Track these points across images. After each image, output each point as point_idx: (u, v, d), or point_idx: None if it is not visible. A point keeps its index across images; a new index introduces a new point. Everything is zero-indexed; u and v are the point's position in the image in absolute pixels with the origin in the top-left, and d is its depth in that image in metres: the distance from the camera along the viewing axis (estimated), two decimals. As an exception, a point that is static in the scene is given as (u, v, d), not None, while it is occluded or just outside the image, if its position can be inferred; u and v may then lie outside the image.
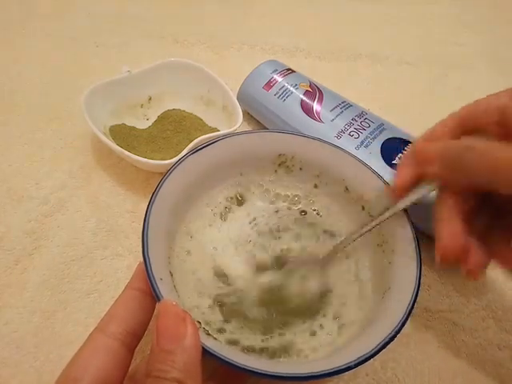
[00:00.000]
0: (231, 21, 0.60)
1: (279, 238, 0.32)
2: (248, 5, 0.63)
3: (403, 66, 0.54)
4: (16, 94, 0.47)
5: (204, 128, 0.43)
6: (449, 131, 0.26)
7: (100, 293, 0.33)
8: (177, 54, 0.46)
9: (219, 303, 0.28)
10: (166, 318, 0.21)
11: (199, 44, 0.55)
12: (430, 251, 0.36)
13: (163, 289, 0.23)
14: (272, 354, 0.26)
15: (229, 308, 0.28)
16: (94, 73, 0.49)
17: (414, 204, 0.26)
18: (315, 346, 0.27)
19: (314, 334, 0.27)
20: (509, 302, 0.34)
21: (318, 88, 0.42)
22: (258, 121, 0.45)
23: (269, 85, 0.42)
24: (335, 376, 0.26)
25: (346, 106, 0.40)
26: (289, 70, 0.44)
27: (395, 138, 0.37)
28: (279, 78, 0.43)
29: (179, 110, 0.44)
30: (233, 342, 0.26)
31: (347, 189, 0.32)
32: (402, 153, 0.36)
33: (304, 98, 0.41)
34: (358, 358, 0.22)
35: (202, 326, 0.26)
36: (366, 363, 0.22)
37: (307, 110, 0.40)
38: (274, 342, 0.27)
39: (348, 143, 0.37)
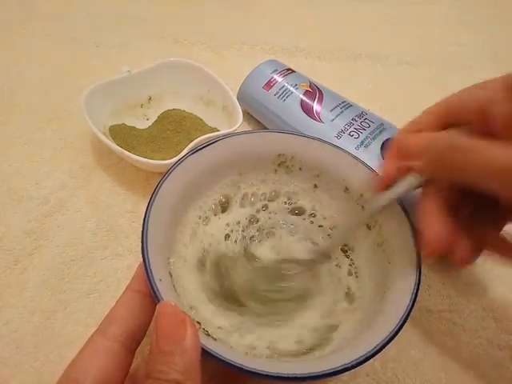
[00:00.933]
0: (231, 21, 0.60)
1: (277, 236, 0.32)
2: (248, 5, 0.63)
3: (403, 66, 0.54)
4: (16, 94, 0.47)
5: (204, 128, 0.43)
6: (433, 122, 0.25)
7: (100, 293, 0.33)
8: (177, 53, 0.46)
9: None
10: (165, 319, 0.21)
11: (199, 44, 0.55)
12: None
13: (162, 289, 0.23)
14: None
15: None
16: (94, 73, 0.49)
17: (401, 195, 0.26)
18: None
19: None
20: (509, 301, 0.34)
21: (318, 88, 0.42)
22: (258, 121, 0.45)
23: (269, 85, 0.42)
24: (335, 376, 0.26)
25: (345, 106, 0.40)
26: (289, 69, 0.44)
27: (395, 138, 0.37)
28: (279, 78, 0.43)
29: (179, 109, 0.44)
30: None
31: (347, 189, 0.32)
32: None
33: (304, 98, 0.41)
34: (358, 358, 0.22)
35: (202, 326, 0.26)
36: (366, 363, 0.22)
37: (307, 110, 0.40)
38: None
39: (348, 143, 0.37)
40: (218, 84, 0.42)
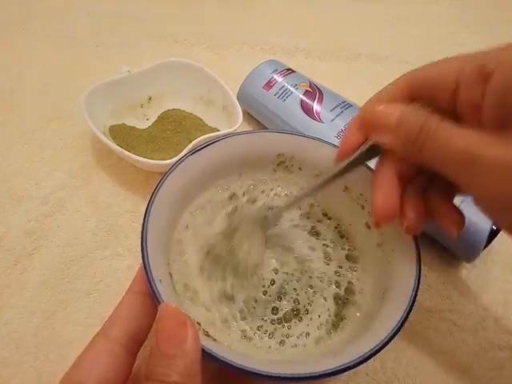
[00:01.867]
0: (231, 21, 0.60)
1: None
2: (248, 5, 0.63)
3: (403, 66, 0.53)
4: (16, 94, 0.47)
5: (204, 128, 0.43)
6: (400, 95, 0.24)
7: (100, 293, 0.33)
8: (177, 53, 0.46)
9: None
10: (166, 321, 0.21)
11: (199, 44, 0.55)
12: (431, 251, 0.36)
13: (162, 291, 0.23)
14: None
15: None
16: (94, 73, 0.49)
17: (356, 162, 0.26)
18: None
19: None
20: (509, 302, 0.34)
21: (318, 88, 0.42)
22: (258, 121, 0.45)
23: (269, 85, 0.42)
24: (335, 376, 0.26)
25: (345, 105, 0.40)
26: (289, 69, 0.44)
27: (395, 138, 0.37)
28: (279, 78, 0.43)
29: (179, 109, 0.44)
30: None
31: (346, 188, 0.32)
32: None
33: (304, 98, 0.41)
34: (358, 357, 0.22)
35: (202, 327, 0.26)
36: (366, 363, 0.22)
37: (307, 109, 0.40)
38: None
39: (348, 143, 0.37)
40: (218, 84, 0.42)
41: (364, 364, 0.22)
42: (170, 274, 0.27)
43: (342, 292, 0.30)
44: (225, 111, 0.43)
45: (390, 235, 0.29)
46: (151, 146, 0.41)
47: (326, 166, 0.32)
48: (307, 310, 0.29)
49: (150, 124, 0.43)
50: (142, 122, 0.44)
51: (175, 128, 0.42)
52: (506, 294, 0.35)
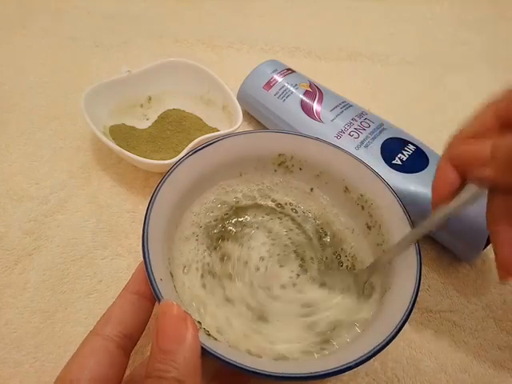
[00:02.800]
0: (231, 21, 0.60)
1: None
2: (248, 5, 0.63)
3: (403, 66, 0.54)
4: (15, 93, 0.47)
5: (204, 128, 0.43)
6: (487, 126, 0.22)
7: (100, 293, 0.33)
8: (177, 53, 0.46)
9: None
10: (166, 318, 0.21)
11: (199, 44, 0.55)
12: (430, 251, 0.36)
13: (163, 289, 0.23)
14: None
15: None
16: (94, 73, 0.49)
17: (465, 205, 0.23)
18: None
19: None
20: (509, 302, 0.34)
21: (318, 88, 0.42)
22: (258, 121, 0.45)
23: (269, 85, 0.42)
24: (335, 376, 0.26)
25: (345, 105, 0.40)
26: (289, 69, 0.44)
27: (395, 138, 0.37)
28: (279, 78, 0.43)
29: (179, 109, 0.44)
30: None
31: (347, 189, 0.32)
32: (402, 153, 0.36)
33: (304, 98, 0.41)
34: (358, 358, 0.22)
35: (203, 326, 0.26)
36: (366, 363, 0.22)
37: (307, 109, 0.40)
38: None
39: (348, 143, 0.37)
40: (218, 84, 0.42)
41: (364, 364, 0.22)
42: (171, 273, 0.27)
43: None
44: (225, 111, 0.43)
45: (390, 235, 0.29)
46: (151, 146, 0.41)
47: (327, 165, 0.32)
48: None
49: (150, 124, 0.43)
50: (142, 121, 0.44)
51: (175, 128, 0.42)
52: (505, 295, 0.35)
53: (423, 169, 0.35)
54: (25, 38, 0.54)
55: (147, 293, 0.25)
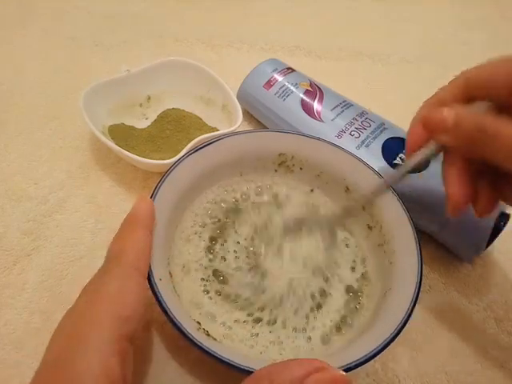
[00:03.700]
0: (231, 20, 0.60)
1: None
2: (248, 4, 0.63)
3: (404, 66, 0.54)
4: (15, 93, 0.47)
5: (204, 127, 0.42)
6: (456, 96, 0.26)
7: (99, 293, 0.33)
8: (177, 53, 0.46)
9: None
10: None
11: (199, 44, 0.55)
12: (431, 251, 0.36)
13: (163, 289, 0.23)
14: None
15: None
16: (93, 72, 0.49)
17: (426, 158, 0.26)
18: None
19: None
20: (510, 302, 0.34)
21: (319, 87, 0.42)
22: (258, 120, 0.45)
23: (269, 84, 0.42)
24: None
25: (346, 105, 0.40)
26: (289, 69, 0.44)
27: (396, 138, 0.37)
28: (279, 77, 0.43)
29: (179, 109, 0.44)
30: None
31: (348, 188, 0.32)
32: (403, 152, 0.36)
33: (304, 98, 0.41)
34: (359, 358, 0.22)
35: (202, 326, 0.26)
36: (367, 364, 0.22)
37: (307, 109, 0.40)
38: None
39: (349, 143, 0.37)
40: (218, 83, 0.42)
41: (365, 365, 0.22)
42: (170, 273, 0.27)
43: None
44: (225, 111, 0.42)
45: (391, 236, 0.29)
46: (150, 145, 0.40)
47: (327, 165, 0.32)
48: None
49: (150, 123, 0.43)
50: (141, 121, 0.44)
51: (175, 127, 0.42)
52: (506, 295, 0.34)
53: (424, 168, 0.35)
54: (25, 37, 0.54)
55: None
